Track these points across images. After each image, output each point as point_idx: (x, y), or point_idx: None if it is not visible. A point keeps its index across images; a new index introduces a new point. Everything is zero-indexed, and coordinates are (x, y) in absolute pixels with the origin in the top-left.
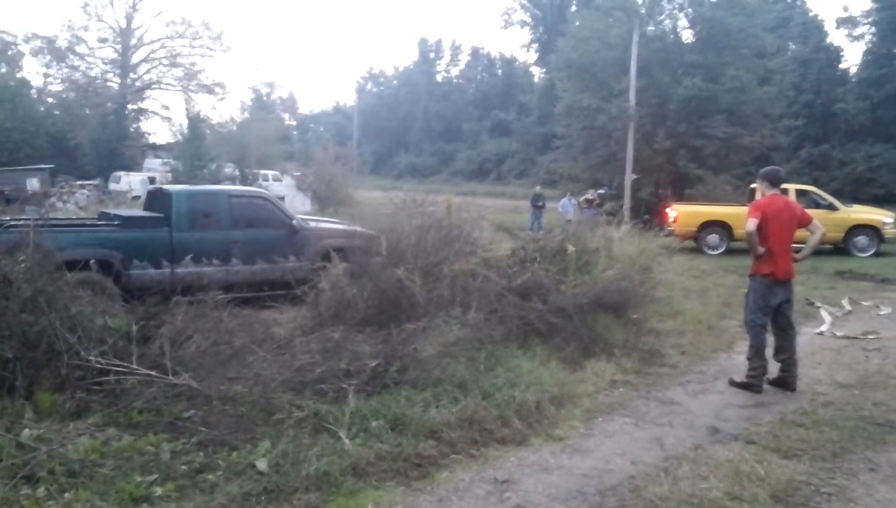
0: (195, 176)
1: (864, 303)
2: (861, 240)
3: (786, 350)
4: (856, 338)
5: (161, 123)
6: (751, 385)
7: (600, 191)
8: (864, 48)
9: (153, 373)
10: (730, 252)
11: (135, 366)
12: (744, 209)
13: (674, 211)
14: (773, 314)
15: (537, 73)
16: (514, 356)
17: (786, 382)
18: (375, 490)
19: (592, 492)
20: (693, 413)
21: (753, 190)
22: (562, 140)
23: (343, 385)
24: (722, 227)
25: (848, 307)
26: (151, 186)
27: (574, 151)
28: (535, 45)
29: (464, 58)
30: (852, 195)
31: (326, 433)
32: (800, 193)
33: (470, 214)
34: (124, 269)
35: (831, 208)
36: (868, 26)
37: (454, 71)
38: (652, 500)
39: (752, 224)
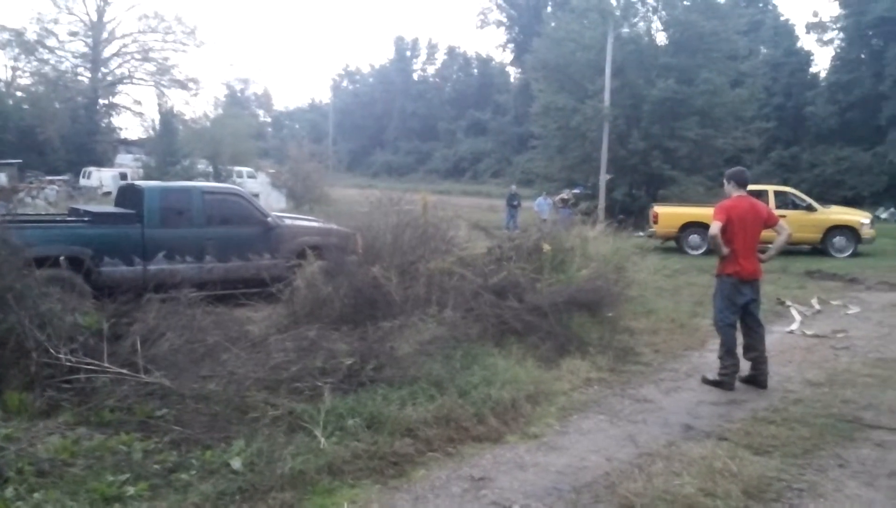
0: (167, 172)
1: (833, 302)
2: (839, 241)
3: (755, 349)
4: (825, 337)
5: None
6: (723, 383)
7: (575, 191)
8: (833, 53)
9: (125, 371)
10: (710, 252)
11: (106, 364)
12: None
13: (655, 211)
14: (741, 314)
15: (513, 73)
16: (490, 354)
17: (757, 380)
18: (351, 489)
19: (568, 489)
20: (666, 411)
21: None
22: (537, 140)
23: (318, 384)
24: (703, 227)
25: (817, 307)
26: (123, 182)
27: (549, 151)
28: (511, 46)
29: (440, 57)
30: (821, 197)
31: (302, 431)
32: (778, 194)
33: (446, 212)
34: (95, 266)
35: (809, 208)
36: (837, 31)
37: (430, 70)
38: (626, 497)
39: (715, 227)
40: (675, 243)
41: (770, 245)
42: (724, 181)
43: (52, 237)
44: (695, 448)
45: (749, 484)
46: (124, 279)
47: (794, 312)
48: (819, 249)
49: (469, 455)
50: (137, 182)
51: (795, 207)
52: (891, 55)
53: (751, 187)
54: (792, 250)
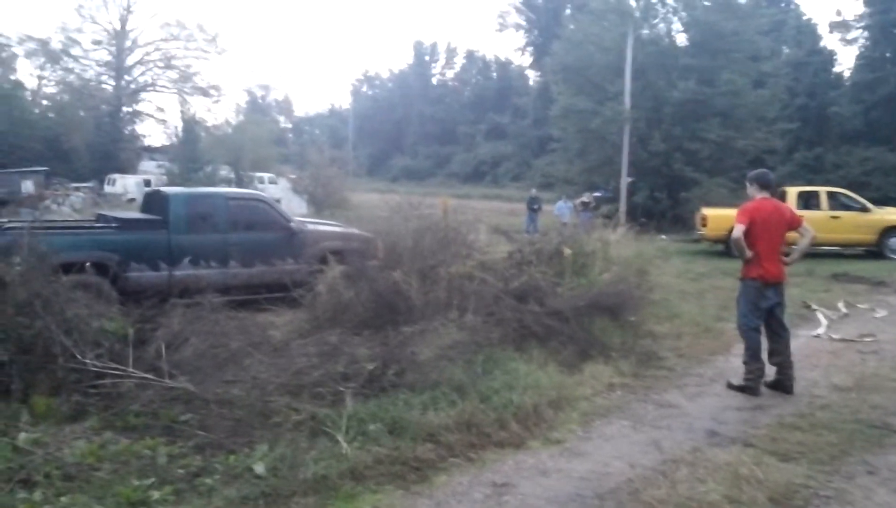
0: (190, 179)
1: (860, 306)
2: (895, 242)
3: (780, 353)
4: (852, 341)
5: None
6: (748, 388)
7: (596, 194)
8: (858, 52)
9: (149, 376)
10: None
11: (131, 369)
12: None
13: (704, 214)
14: (766, 317)
15: (532, 76)
16: (511, 359)
17: (782, 384)
18: (374, 494)
19: (590, 495)
20: (691, 416)
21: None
22: (557, 143)
23: (340, 388)
24: None
25: (844, 310)
26: (148, 189)
27: (570, 153)
28: (531, 49)
29: (459, 60)
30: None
31: (324, 436)
32: (830, 195)
33: (466, 216)
34: (122, 271)
35: (863, 209)
36: (861, 30)
37: (449, 74)
38: (650, 503)
39: (738, 230)
40: (724, 246)
41: (794, 247)
42: (747, 183)
43: (79, 243)
44: (720, 455)
45: (775, 491)
46: (150, 285)
47: (820, 316)
48: (874, 251)
49: (491, 460)
50: (163, 189)
51: (849, 208)
52: None
53: (803, 189)
54: (820, 252)
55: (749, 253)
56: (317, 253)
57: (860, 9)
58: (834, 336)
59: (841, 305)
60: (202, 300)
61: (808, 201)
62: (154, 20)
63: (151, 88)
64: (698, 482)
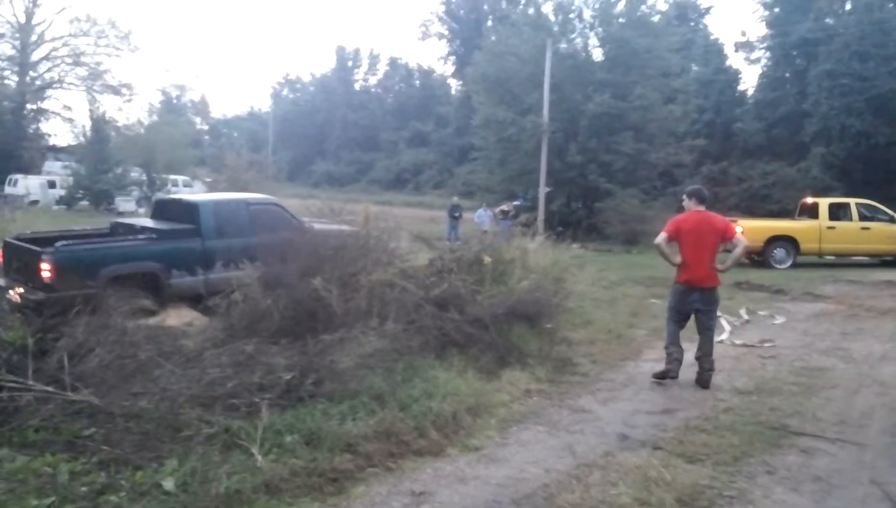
0: (99, 180)
1: (761, 313)
2: None
3: (700, 349)
4: (753, 346)
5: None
6: (667, 371)
7: (515, 203)
8: (760, 71)
9: (50, 389)
10: (796, 266)
11: (30, 382)
12: (810, 223)
13: (740, 226)
14: (694, 317)
15: (455, 85)
16: (431, 366)
17: (699, 379)
18: (289, 507)
19: (507, 501)
20: (603, 421)
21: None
22: (478, 152)
23: (256, 399)
24: (789, 241)
25: (746, 317)
26: (161, 196)
27: (490, 162)
28: (453, 58)
29: (382, 67)
30: (750, 210)
31: (238, 449)
32: (860, 206)
33: (388, 223)
34: (165, 279)
35: (892, 220)
36: (763, 51)
37: (372, 80)
38: (564, 507)
39: (659, 238)
40: (758, 257)
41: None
42: (685, 197)
43: (130, 254)
44: (630, 458)
45: (682, 493)
46: (189, 289)
47: (723, 322)
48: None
49: (409, 469)
50: (184, 197)
51: (877, 219)
52: (813, 75)
53: (834, 201)
54: (852, 262)
55: (677, 259)
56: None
57: (763, 31)
58: (736, 342)
59: (743, 312)
60: (108, 310)
61: (838, 212)
62: (62, 14)
63: (58, 86)
64: (610, 485)
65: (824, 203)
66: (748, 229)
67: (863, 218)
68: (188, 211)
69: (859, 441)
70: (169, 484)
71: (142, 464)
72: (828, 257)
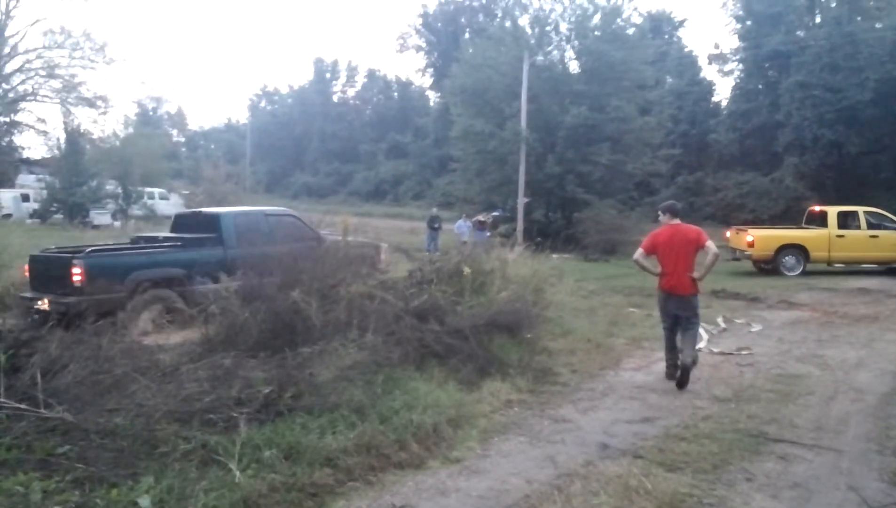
0: (73, 193)
1: (738, 321)
2: None
3: (681, 351)
4: (731, 354)
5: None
6: (668, 374)
7: (494, 213)
8: (734, 83)
9: (23, 406)
10: (806, 273)
11: (2, 399)
12: (820, 232)
13: (750, 236)
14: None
15: (433, 97)
16: (411, 378)
17: (679, 379)
18: None
19: None
20: (584, 430)
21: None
22: (457, 163)
23: (234, 414)
24: (799, 250)
25: (723, 325)
26: (182, 210)
27: (469, 174)
28: (431, 70)
29: (360, 79)
30: (724, 220)
31: (216, 465)
32: (869, 214)
33: (367, 235)
34: (189, 284)
35: None
36: (737, 63)
37: (350, 92)
38: None
39: (636, 253)
40: (766, 265)
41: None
42: (660, 212)
43: (157, 261)
44: (611, 467)
45: (663, 501)
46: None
47: (701, 330)
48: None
49: (390, 482)
50: (206, 209)
51: (884, 227)
52: (785, 86)
53: (842, 209)
54: (861, 270)
55: (656, 270)
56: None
57: (735, 43)
58: (714, 350)
59: (720, 320)
60: (83, 324)
61: (847, 220)
62: (36, 27)
63: (32, 98)
64: (591, 495)
65: (833, 211)
66: (759, 238)
67: (870, 226)
68: (210, 222)
69: (836, 447)
70: (145, 502)
71: (117, 482)
72: (837, 266)
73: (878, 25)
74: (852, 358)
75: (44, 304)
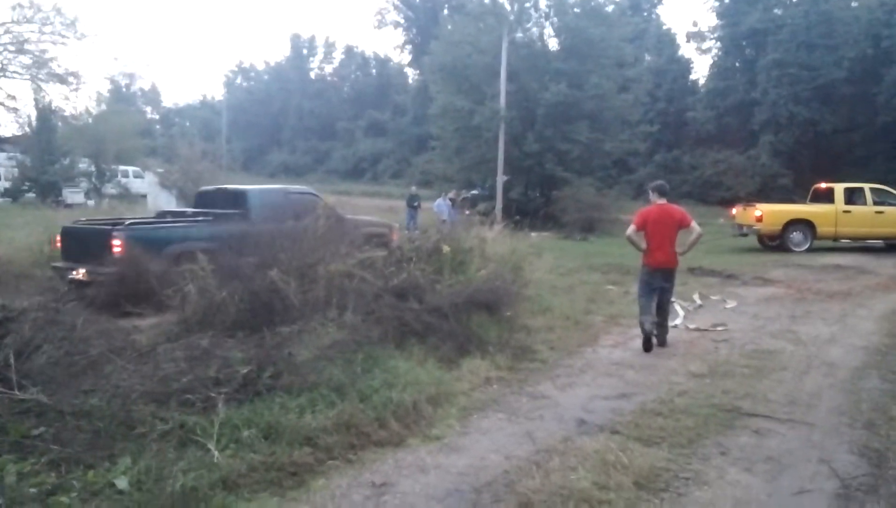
0: (46, 172)
1: (713, 297)
2: None
3: (658, 316)
4: (706, 330)
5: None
6: (646, 340)
7: (473, 191)
8: (711, 61)
9: None
10: (812, 250)
11: None
12: (827, 208)
13: (759, 210)
14: (657, 293)
15: (412, 74)
16: (391, 356)
17: (658, 338)
18: (248, 503)
19: (468, 490)
20: (562, 406)
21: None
22: (436, 141)
23: (212, 394)
24: (806, 225)
25: (699, 302)
26: (206, 187)
27: (448, 152)
28: (409, 47)
29: (338, 56)
30: (702, 197)
31: (194, 445)
32: (874, 191)
33: (346, 213)
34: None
35: None
36: (714, 41)
37: (328, 69)
38: (525, 494)
39: (629, 229)
40: (774, 240)
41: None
42: (650, 191)
43: (191, 235)
44: (589, 443)
45: (640, 475)
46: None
47: (677, 307)
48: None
49: (370, 460)
50: (231, 186)
51: (888, 204)
52: (762, 64)
53: (849, 186)
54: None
55: (644, 245)
56: (357, 237)
57: (713, 21)
58: (690, 326)
59: (696, 296)
60: (57, 305)
61: (853, 196)
62: (4, 1)
63: (1, 74)
64: (569, 470)
65: (839, 188)
66: (768, 213)
67: (876, 203)
68: (237, 198)
69: (808, 421)
70: (122, 483)
71: (94, 463)
72: (843, 241)
73: (853, 4)
74: (825, 334)
75: (79, 274)
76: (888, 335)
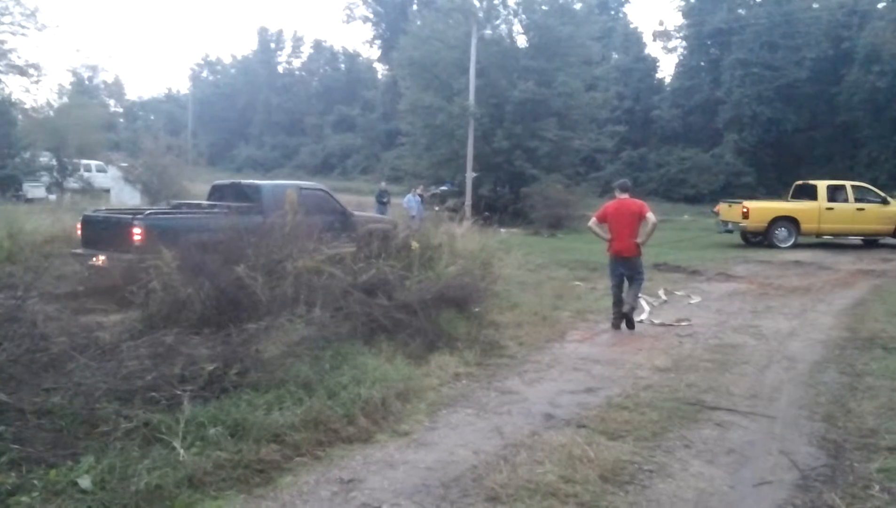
0: (5, 165)
1: (678, 293)
2: None
3: (626, 302)
4: (671, 325)
5: None
6: (614, 324)
7: (443, 187)
8: (677, 60)
9: None
10: (797, 246)
11: None
12: (810, 205)
13: (745, 207)
14: (626, 279)
15: (381, 69)
16: (359, 353)
17: (627, 322)
18: (214, 501)
19: (436, 485)
20: (530, 401)
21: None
22: (406, 137)
23: (177, 392)
24: (791, 222)
25: (664, 297)
26: (219, 181)
27: (418, 148)
28: (378, 42)
29: (306, 50)
30: (667, 194)
31: (159, 443)
32: (856, 189)
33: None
34: None
35: (884, 202)
36: (680, 40)
37: (296, 63)
38: (492, 488)
39: (591, 221)
40: (761, 236)
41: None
42: (616, 189)
43: (208, 225)
44: (556, 437)
45: (605, 469)
46: None
47: (643, 302)
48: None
49: (338, 457)
50: (245, 181)
51: (868, 201)
52: (726, 63)
53: (831, 183)
54: (847, 242)
55: (606, 236)
56: (364, 232)
57: (679, 20)
58: (655, 321)
59: (661, 292)
60: (18, 301)
61: (835, 194)
62: None
63: None
64: (536, 464)
65: (822, 185)
66: (754, 210)
67: (857, 200)
68: (251, 192)
69: (769, 414)
70: (85, 482)
71: (56, 462)
72: (826, 238)
73: (814, 6)
74: (785, 328)
75: (99, 260)
76: (846, 329)
